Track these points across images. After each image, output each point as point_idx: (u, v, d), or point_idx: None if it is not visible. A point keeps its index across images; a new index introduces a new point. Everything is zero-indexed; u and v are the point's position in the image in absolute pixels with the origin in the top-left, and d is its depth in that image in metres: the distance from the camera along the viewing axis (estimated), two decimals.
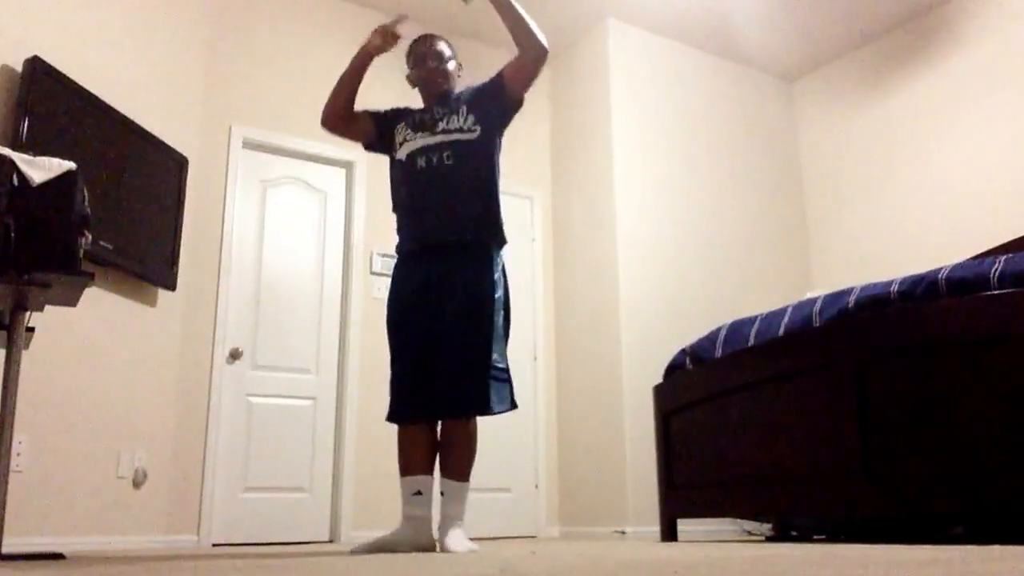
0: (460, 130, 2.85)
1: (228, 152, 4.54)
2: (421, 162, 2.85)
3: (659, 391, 3.88)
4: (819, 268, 5.72)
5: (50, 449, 3.40)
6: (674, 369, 3.82)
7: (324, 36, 5.01)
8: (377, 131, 3.02)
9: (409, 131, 2.93)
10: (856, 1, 5.18)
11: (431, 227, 2.82)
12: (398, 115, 3.02)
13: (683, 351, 3.81)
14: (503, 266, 2.85)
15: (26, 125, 3.23)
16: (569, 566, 1.57)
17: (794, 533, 4.10)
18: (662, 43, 5.53)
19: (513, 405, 2.75)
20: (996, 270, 2.61)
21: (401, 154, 2.92)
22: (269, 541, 4.18)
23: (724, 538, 4.44)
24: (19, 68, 3.31)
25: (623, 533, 4.59)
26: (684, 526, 3.79)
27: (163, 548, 3.76)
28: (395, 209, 3.00)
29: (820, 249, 5.75)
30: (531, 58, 2.91)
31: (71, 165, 2.26)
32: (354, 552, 2.53)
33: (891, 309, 2.85)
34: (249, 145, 4.64)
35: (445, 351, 2.68)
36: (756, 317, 3.47)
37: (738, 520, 4.55)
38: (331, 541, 4.37)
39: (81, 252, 2.25)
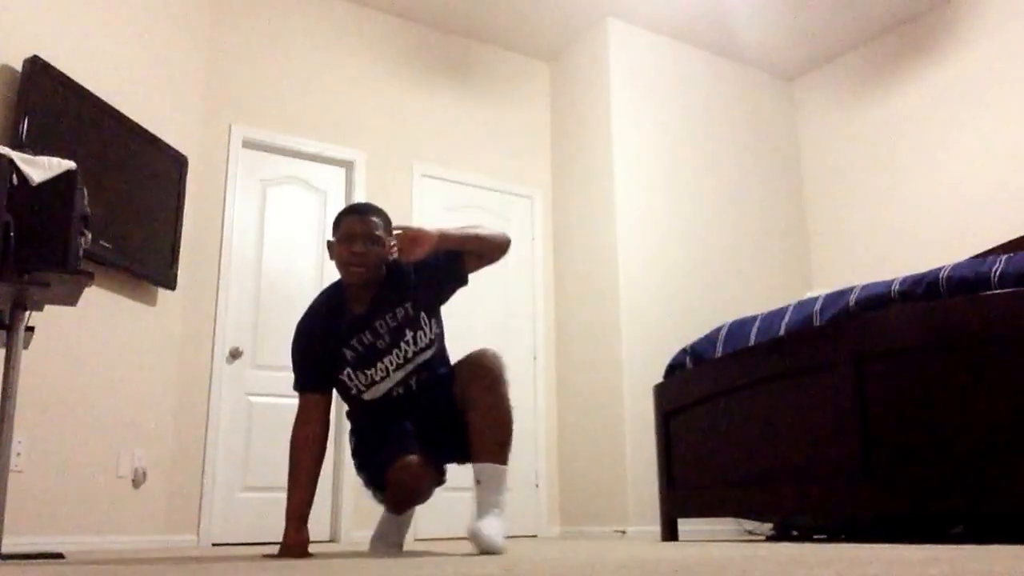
0: (424, 348, 2.50)
1: (228, 151, 4.54)
2: (393, 393, 2.50)
3: (659, 390, 3.87)
4: (819, 267, 5.72)
5: (50, 449, 3.39)
6: (674, 368, 3.82)
7: (324, 36, 5.01)
8: (329, 385, 2.58)
9: (359, 371, 2.48)
10: (856, 1, 5.18)
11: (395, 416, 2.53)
12: (327, 346, 2.49)
13: (683, 350, 3.80)
14: None
15: (26, 124, 3.23)
16: (570, 566, 1.57)
17: (794, 533, 4.09)
18: (662, 42, 5.53)
19: None
20: (997, 270, 2.61)
21: (369, 396, 2.52)
22: (269, 541, 4.17)
23: (725, 538, 4.44)
24: (19, 67, 3.31)
25: (623, 533, 4.59)
26: (685, 526, 3.79)
27: (163, 548, 3.76)
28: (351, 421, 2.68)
29: (820, 248, 5.75)
30: (497, 258, 2.60)
31: (71, 164, 2.25)
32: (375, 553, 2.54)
33: (892, 309, 2.85)
34: (249, 144, 4.64)
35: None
36: (757, 316, 3.47)
37: (739, 520, 4.55)
38: (332, 541, 4.36)
39: (81, 251, 2.25)
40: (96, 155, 3.57)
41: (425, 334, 2.49)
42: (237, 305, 4.44)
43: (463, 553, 2.40)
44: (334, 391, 2.57)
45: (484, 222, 2.53)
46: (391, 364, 2.47)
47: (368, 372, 2.47)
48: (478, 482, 2.37)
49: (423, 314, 2.49)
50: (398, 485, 2.39)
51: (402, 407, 2.49)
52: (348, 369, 2.48)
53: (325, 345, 2.48)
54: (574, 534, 4.93)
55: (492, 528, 2.28)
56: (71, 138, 3.46)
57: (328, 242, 2.55)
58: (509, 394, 2.42)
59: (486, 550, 2.23)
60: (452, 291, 2.56)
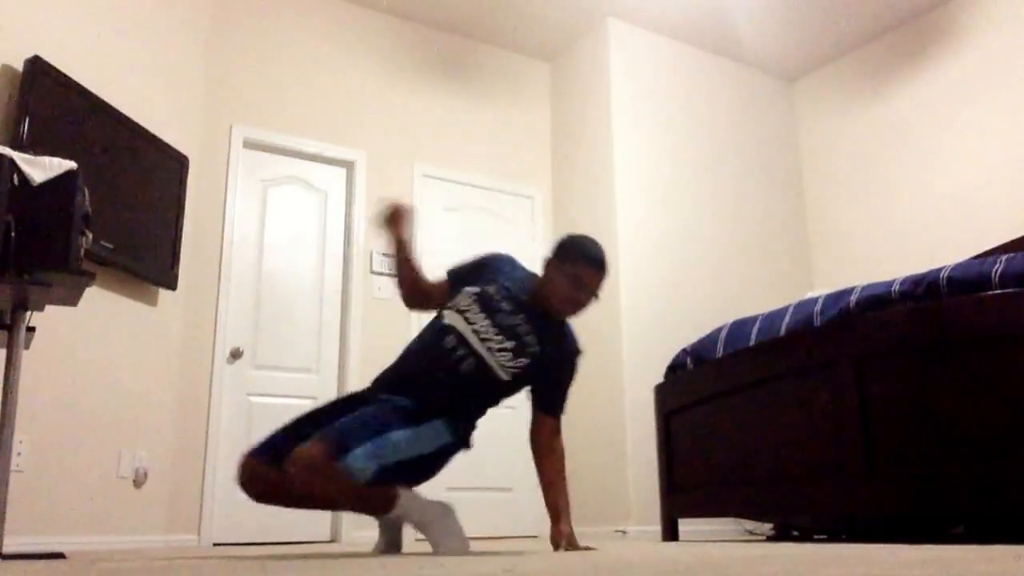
0: (501, 360, 2.47)
1: (229, 151, 4.54)
2: (447, 343, 2.48)
3: (660, 391, 3.87)
4: (820, 268, 5.72)
5: (51, 449, 3.40)
6: (675, 369, 3.82)
7: (325, 36, 5.02)
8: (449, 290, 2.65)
9: (471, 302, 2.52)
10: (857, 1, 5.18)
11: (408, 392, 2.49)
12: (482, 274, 2.61)
13: (684, 351, 3.80)
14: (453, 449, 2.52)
15: (27, 124, 3.23)
16: (570, 566, 1.57)
17: (795, 533, 4.09)
18: (663, 43, 5.53)
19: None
20: (997, 270, 2.61)
21: (445, 317, 2.54)
22: (270, 541, 4.18)
23: (725, 538, 4.44)
24: (20, 68, 3.31)
25: (624, 533, 4.59)
26: (685, 526, 3.79)
27: (164, 548, 3.77)
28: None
29: (821, 249, 5.75)
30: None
31: (72, 165, 2.26)
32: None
33: (892, 309, 2.84)
34: (250, 145, 4.64)
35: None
36: (757, 317, 3.47)
37: (739, 520, 4.55)
38: (332, 541, 4.37)
39: (82, 252, 2.26)
40: (97, 155, 3.57)
41: (516, 362, 2.49)
42: (238, 305, 4.44)
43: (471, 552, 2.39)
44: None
45: (485, 224, 2.53)
46: (485, 330, 2.48)
47: (471, 305, 2.51)
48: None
49: (532, 356, 2.51)
50: (240, 475, 2.34)
51: (431, 372, 2.46)
52: (465, 295, 2.54)
53: (483, 274, 2.60)
54: (575, 534, 4.92)
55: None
56: (72, 138, 3.46)
57: (551, 262, 2.59)
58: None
59: None
60: (543, 386, 2.59)
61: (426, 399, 2.43)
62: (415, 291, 2.63)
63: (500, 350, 2.47)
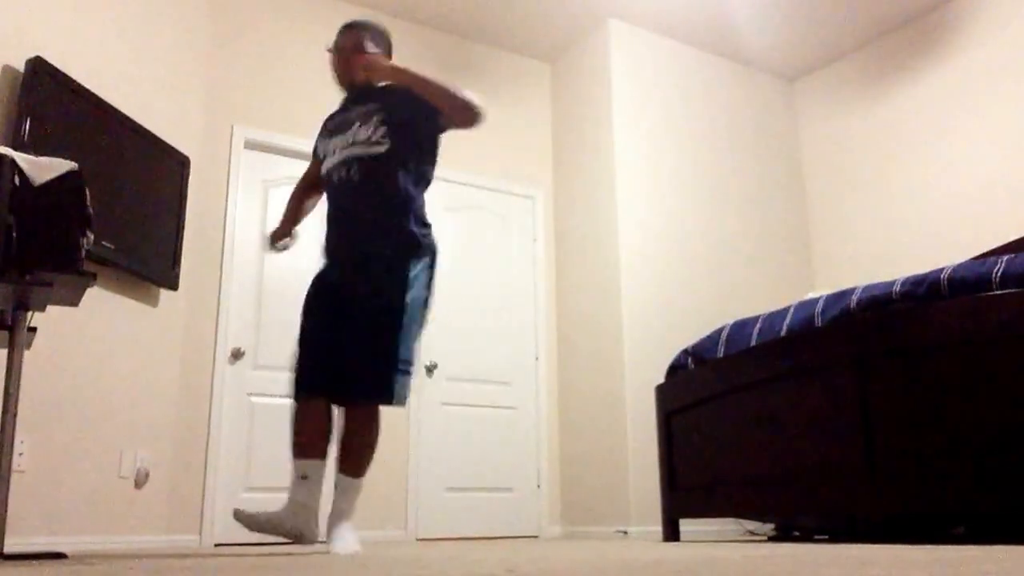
0: (367, 142, 2.80)
1: (230, 152, 4.55)
2: (335, 176, 2.83)
3: (661, 391, 3.87)
4: (821, 268, 5.72)
5: (52, 449, 3.40)
6: (676, 369, 3.82)
7: (325, 36, 5.00)
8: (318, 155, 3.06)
9: (326, 142, 2.95)
10: (858, 1, 5.18)
11: (338, 239, 2.82)
12: (323, 125, 3.07)
13: (685, 351, 3.81)
14: (422, 269, 2.79)
15: (28, 125, 3.23)
16: (571, 566, 1.57)
17: (796, 533, 4.09)
18: (664, 44, 5.53)
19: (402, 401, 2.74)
20: (998, 270, 2.61)
21: (324, 167, 2.92)
22: (271, 541, 4.17)
23: (726, 538, 4.44)
24: (21, 68, 3.31)
25: (625, 533, 4.59)
26: (686, 526, 3.79)
27: (165, 548, 3.77)
28: None
29: (822, 249, 5.75)
30: (460, 120, 2.86)
31: (73, 165, 2.26)
32: (237, 518, 2.63)
33: (893, 309, 2.85)
34: (251, 145, 4.64)
35: (351, 340, 2.67)
36: (758, 317, 3.47)
37: (740, 520, 4.55)
38: None
39: (83, 252, 2.25)
40: (98, 155, 3.57)
41: (375, 134, 2.79)
42: (239, 305, 4.44)
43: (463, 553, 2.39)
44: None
45: (485, 224, 2.88)
46: (343, 143, 2.83)
47: (330, 142, 2.90)
48: (336, 487, 2.73)
49: (381, 118, 2.80)
50: (296, 424, 2.84)
51: (336, 201, 2.83)
52: (321, 138, 3.00)
53: (324, 123, 3.07)
54: (576, 534, 4.93)
55: (345, 541, 2.64)
56: (73, 139, 3.46)
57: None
58: (375, 427, 2.74)
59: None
60: (427, 129, 2.87)
61: (357, 238, 2.75)
62: (309, 196, 3.09)
63: (363, 138, 2.79)
